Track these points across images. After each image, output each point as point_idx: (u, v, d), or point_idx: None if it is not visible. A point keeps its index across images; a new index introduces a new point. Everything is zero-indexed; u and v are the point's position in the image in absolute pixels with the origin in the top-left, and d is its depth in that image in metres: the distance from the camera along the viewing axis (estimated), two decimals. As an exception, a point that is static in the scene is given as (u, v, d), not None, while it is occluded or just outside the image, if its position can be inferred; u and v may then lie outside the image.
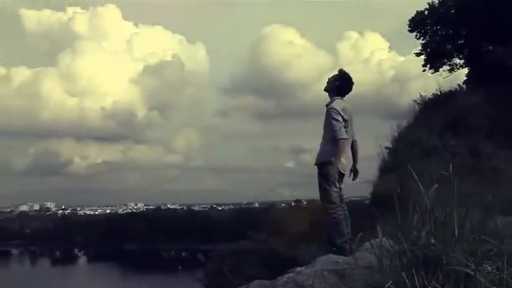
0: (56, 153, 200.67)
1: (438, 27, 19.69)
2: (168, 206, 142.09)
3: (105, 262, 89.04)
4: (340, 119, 5.02)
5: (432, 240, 2.61)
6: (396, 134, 14.71)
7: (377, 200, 8.34)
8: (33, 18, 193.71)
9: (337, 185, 5.04)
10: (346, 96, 5.37)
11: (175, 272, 68.40)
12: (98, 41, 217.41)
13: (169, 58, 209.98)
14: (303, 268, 3.49)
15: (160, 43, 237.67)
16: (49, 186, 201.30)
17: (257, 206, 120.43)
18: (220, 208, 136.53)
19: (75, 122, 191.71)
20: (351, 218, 5.12)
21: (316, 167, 5.19)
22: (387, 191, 7.91)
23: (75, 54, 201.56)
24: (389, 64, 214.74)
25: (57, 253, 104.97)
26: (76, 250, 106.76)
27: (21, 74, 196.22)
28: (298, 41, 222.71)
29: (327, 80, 5.42)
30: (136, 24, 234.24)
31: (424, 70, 19.99)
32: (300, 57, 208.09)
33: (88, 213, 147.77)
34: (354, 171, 5.25)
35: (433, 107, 15.92)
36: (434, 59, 19.67)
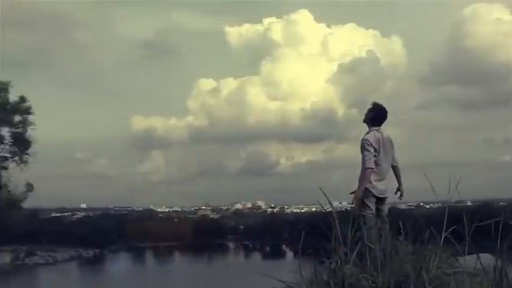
0: (264, 155, 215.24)
1: None
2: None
3: (310, 258, 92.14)
4: (371, 149, 5.75)
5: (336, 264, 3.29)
6: None
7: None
8: (235, 33, 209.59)
9: (372, 208, 5.71)
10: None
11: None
12: (294, 46, 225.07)
13: (364, 54, 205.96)
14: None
15: (354, 41, 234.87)
16: (259, 186, 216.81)
17: (469, 204, 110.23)
18: (428, 206, 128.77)
19: (279, 124, 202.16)
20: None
21: None
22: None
23: (274, 61, 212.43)
24: None
25: (267, 248, 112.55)
26: (284, 246, 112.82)
27: (229, 84, 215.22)
28: (507, 17, 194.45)
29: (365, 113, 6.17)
30: (329, 25, 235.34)
31: None
32: (510, 35, 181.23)
33: (295, 211, 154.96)
34: (400, 193, 6.04)
35: None
36: None
